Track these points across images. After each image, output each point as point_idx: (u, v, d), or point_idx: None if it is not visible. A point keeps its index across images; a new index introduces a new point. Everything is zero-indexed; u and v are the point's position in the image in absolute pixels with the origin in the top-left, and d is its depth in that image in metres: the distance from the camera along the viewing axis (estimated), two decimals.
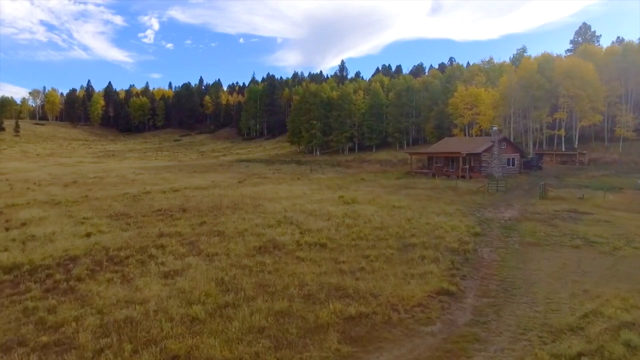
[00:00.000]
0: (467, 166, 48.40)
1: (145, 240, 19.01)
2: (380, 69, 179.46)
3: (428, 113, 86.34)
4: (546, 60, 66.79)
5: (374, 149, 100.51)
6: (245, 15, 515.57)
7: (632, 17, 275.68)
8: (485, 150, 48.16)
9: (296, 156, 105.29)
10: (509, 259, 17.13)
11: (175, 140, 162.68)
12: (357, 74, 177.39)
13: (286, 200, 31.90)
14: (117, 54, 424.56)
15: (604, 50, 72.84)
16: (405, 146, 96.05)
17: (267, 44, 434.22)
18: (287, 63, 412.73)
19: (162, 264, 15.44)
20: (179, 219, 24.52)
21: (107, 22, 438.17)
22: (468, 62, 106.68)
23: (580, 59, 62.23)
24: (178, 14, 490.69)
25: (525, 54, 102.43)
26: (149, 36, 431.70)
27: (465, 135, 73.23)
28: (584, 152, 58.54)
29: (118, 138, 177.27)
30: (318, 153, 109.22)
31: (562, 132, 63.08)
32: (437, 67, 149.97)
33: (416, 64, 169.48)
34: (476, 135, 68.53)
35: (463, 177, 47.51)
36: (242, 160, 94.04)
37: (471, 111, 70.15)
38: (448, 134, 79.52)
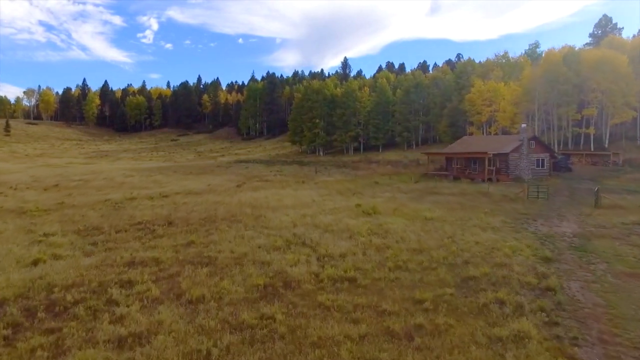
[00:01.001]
0: (494, 168, 43.44)
1: (108, 273, 14.02)
2: (383, 67, 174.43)
3: (440, 111, 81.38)
4: (571, 53, 61.76)
5: (380, 149, 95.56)
6: (244, 15, 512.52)
7: (630, 18, 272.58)
8: (513, 150, 43.22)
9: (298, 156, 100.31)
10: (617, 302, 12.15)
11: (172, 140, 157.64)
12: (359, 73, 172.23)
13: (293, 209, 26.92)
14: (116, 54, 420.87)
15: (630, 42, 67.73)
16: (413, 146, 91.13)
17: (266, 44, 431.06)
18: (286, 63, 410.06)
19: (121, 318, 10.45)
20: (161, 237, 19.52)
21: (106, 23, 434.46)
22: (472, 59, 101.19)
23: (611, 50, 57.15)
24: (177, 14, 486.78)
25: (538, 50, 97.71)
26: (148, 36, 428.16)
27: (482, 134, 68.21)
28: (618, 152, 53.58)
29: (113, 138, 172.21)
30: (321, 153, 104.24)
31: (592, 130, 58.07)
32: (440, 65, 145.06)
33: (420, 62, 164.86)
34: (494, 134, 63.56)
35: (489, 180, 42.56)
36: (241, 161, 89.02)
37: (489, 108, 65.18)
38: (462, 132, 74.64)
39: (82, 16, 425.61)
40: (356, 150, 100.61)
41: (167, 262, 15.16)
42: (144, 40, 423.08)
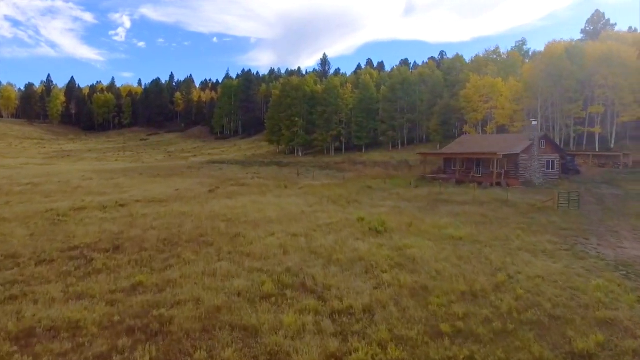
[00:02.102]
0: (503, 171, 38.68)
1: None
2: (362, 65, 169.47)
3: (429, 108, 76.59)
4: (574, 46, 57.69)
5: (363, 149, 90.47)
6: (219, 14, 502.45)
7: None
8: (523, 151, 38.52)
9: (276, 157, 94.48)
10: None
11: (141, 140, 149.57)
12: (337, 71, 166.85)
13: (279, 224, 21.41)
14: (86, 52, 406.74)
15: (633, 36, 64.12)
16: (399, 146, 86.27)
17: (241, 44, 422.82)
18: (261, 63, 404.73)
19: None
20: (98, 272, 13.79)
21: (76, 19, 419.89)
22: (460, 55, 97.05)
23: (618, 43, 53.17)
24: (150, 12, 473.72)
25: (525, 47, 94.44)
26: (120, 34, 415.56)
27: (477, 133, 63.69)
28: (628, 152, 49.57)
29: (79, 137, 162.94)
30: (300, 154, 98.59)
31: (598, 129, 54.00)
32: (419, 64, 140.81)
33: (402, 59, 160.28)
34: (490, 133, 59.09)
35: (498, 184, 37.76)
36: (214, 162, 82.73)
37: (487, 105, 60.66)
38: (455, 131, 70.24)
39: (51, 12, 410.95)
40: (338, 150, 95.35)
41: (90, 330, 9.46)
42: (116, 38, 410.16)
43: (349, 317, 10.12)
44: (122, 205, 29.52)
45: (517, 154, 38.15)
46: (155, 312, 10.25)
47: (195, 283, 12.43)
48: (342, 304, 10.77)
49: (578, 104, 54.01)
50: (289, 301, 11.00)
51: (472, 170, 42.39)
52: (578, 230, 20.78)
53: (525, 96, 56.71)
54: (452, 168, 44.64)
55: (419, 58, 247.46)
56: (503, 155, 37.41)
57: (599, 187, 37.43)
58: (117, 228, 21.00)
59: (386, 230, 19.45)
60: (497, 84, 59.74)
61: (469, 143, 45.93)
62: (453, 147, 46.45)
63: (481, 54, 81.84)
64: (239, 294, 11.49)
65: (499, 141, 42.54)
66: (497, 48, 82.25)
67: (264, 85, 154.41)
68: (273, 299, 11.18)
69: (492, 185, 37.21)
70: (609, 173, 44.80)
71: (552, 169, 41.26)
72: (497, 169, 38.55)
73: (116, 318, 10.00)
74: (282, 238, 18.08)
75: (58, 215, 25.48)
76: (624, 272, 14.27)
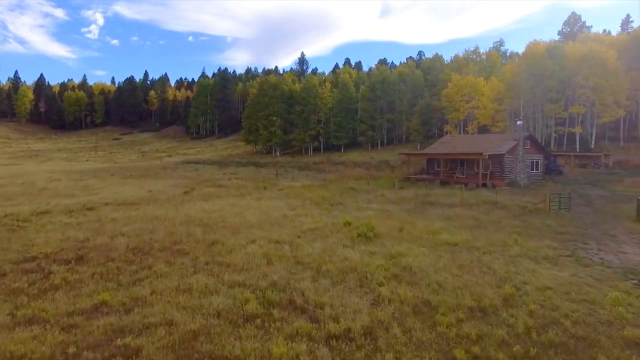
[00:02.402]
0: (488, 171, 37.86)
1: None
2: (340, 65, 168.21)
3: (410, 108, 75.80)
4: (555, 47, 57.46)
5: (342, 149, 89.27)
6: (195, 13, 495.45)
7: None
8: (509, 151, 37.76)
9: (253, 157, 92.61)
10: None
11: (114, 139, 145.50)
12: (315, 71, 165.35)
13: (260, 229, 19.92)
14: (58, 49, 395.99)
15: (613, 37, 64.42)
16: (378, 146, 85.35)
17: (217, 43, 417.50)
18: (237, 62, 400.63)
19: None
20: (56, 289, 12.12)
21: (46, 15, 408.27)
22: (440, 55, 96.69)
23: (598, 44, 53.14)
24: (124, 9, 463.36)
25: (502, 48, 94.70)
26: (93, 31, 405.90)
27: (458, 132, 63.07)
28: (609, 153, 49.49)
29: (48, 136, 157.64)
30: (278, 153, 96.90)
31: (579, 130, 53.88)
32: (397, 65, 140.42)
33: (381, 58, 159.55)
34: (472, 134, 58.54)
35: (484, 185, 36.93)
36: (190, 162, 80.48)
37: (468, 105, 60.06)
38: (436, 131, 69.66)
39: (20, 7, 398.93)
40: (316, 150, 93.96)
41: None
42: (88, 36, 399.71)
43: (349, 342, 8.72)
44: (89, 209, 27.57)
45: (503, 155, 37.39)
46: (119, 342, 8.66)
47: (168, 301, 10.87)
48: (339, 326, 9.37)
49: (559, 104, 53.84)
50: (277, 323, 9.54)
51: (456, 170, 41.51)
52: (575, 234, 19.84)
53: (507, 96, 56.37)
54: (436, 168, 43.68)
55: (396, 59, 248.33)
56: (489, 155, 36.62)
57: (584, 188, 36.95)
58: (83, 235, 19.19)
59: (376, 236, 18.15)
60: (479, 83, 59.30)
61: (452, 143, 45.07)
62: (436, 147, 45.54)
63: (461, 54, 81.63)
64: (218, 315, 9.99)
65: (483, 141, 41.77)
66: (477, 48, 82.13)
67: (240, 84, 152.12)
68: (258, 320, 9.70)
69: (477, 186, 36.37)
70: (591, 173, 44.57)
71: (536, 169, 40.71)
72: (482, 169, 37.71)
73: (71, 350, 8.38)
74: (265, 246, 16.59)
75: (17, 220, 23.48)
76: (635, 281, 13.26)
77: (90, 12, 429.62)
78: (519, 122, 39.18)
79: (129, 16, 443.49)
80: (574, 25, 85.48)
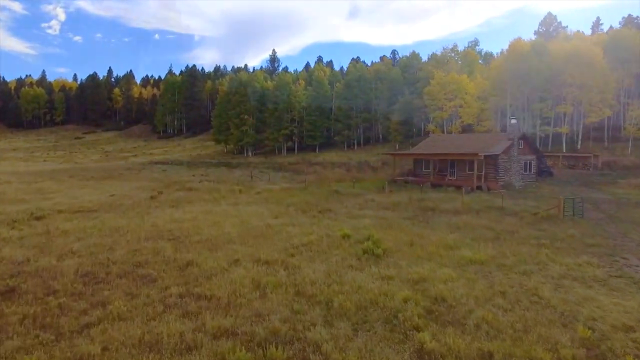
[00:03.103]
0: (482, 173, 35.41)
1: None
2: (311, 64, 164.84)
3: (389, 107, 73.23)
4: (539, 44, 55.82)
5: (317, 149, 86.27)
6: (161, 10, 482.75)
7: (528, 30, 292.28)
8: (504, 152, 35.44)
9: (224, 157, 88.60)
10: None
11: (76, 138, 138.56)
12: (286, 69, 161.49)
13: (242, 244, 16.71)
14: (15, 44, 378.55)
15: (591, 38, 63.29)
16: (354, 146, 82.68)
17: (184, 41, 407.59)
18: (205, 61, 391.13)
19: None
20: None
21: (3, 9, 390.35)
22: (417, 53, 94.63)
23: (584, 42, 51.71)
24: (87, 5, 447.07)
25: (477, 47, 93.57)
26: (54, 27, 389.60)
27: (441, 132, 60.76)
28: (597, 153, 47.97)
29: (4, 135, 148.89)
30: (250, 153, 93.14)
31: (566, 130, 52.29)
32: (368, 65, 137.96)
33: (354, 57, 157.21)
34: (455, 133, 56.34)
35: (479, 187, 34.46)
36: (157, 162, 76.02)
37: (452, 103, 57.85)
38: (414, 130, 67.33)
39: None
40: (290, 150, 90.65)
41: None
42: (49, 31, 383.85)
43: None
44: (38, 218, 23.65)
45: (497, 155, 35.07)
46: None
47: None
48: None
49: (546, 103, 52.26)
50: None
51: (446, 172, 39.02)
52: (607, 247, 17.29)
53: (493, 94, 54.45)
54: (424, 170, 41.10)
55: (367, 59, 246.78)
56: (484, 156, 34.18)
57: (581, 191, 34.96)
58: (23, 254, 15.49)
59: (385, 253, 15.12)
60: (463, 81, 57.21)
61: (440, 143, 42.54)
62: (424, 147, 42.91)
63: (439, 53, 79.71)
64: None
65: (475, 141, 39.35)
66: (455, 46, 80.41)
67: (209, 82, 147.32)
68: None
69: (472, 189, 33.90)
70: (581, 175, 42.89)
71: (529, 171, 38.62)
72: (477, 171, 35.21)
73: None
74: (252, 269, 13.32)
75: None
76: None
77: (50, 7, 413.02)
78: (513, 121, 37.00)
79: (92, 12, 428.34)
80: (549, 25, 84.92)
